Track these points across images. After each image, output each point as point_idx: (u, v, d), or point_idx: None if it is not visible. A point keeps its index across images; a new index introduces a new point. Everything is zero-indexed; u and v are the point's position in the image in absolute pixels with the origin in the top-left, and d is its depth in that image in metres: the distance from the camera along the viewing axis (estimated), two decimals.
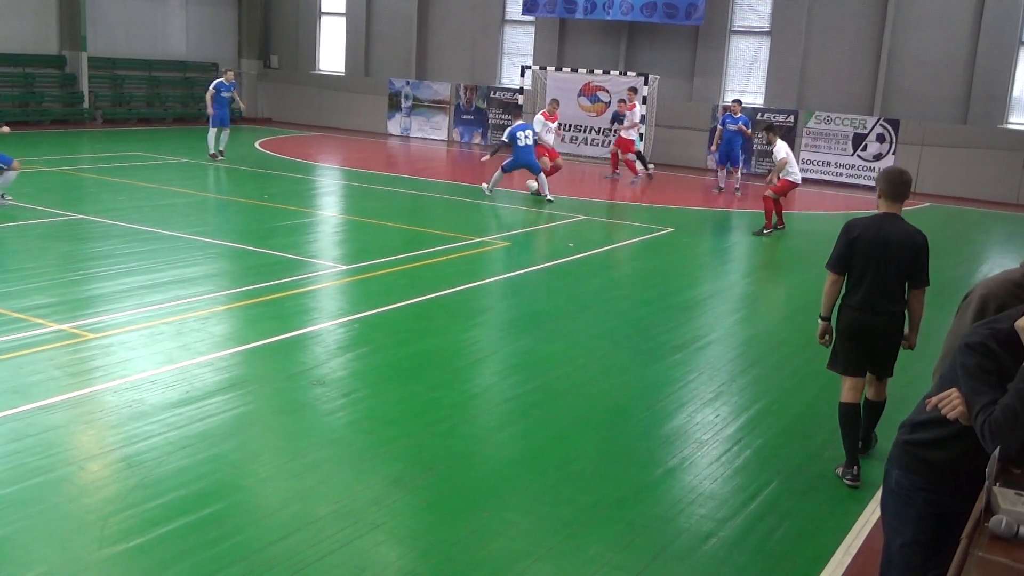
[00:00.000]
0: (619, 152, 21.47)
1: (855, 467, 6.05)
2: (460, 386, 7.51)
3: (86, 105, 26.79)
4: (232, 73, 21.88)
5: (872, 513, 5.58)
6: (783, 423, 7.05)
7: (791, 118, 23.42)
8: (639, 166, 21.64)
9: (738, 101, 20.21)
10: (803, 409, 7.39)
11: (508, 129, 17.79)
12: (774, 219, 15.29)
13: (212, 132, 20.35)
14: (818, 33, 23.59)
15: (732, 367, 8.40)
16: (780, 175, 15.26)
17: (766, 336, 9.55)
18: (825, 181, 22.95)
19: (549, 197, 17.30)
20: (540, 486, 5.72)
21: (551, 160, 18.51)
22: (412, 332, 8.95)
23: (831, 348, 6.28)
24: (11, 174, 13.88)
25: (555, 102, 19.72)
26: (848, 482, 6.01)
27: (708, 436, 6.69)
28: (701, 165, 24.46)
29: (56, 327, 8.17)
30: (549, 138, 18.86)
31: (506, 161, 17.68)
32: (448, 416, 6.77)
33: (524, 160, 17.36)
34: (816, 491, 5.93)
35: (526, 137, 17.35)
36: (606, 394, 7.49)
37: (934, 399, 3.50)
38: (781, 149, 15.18)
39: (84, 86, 26.70)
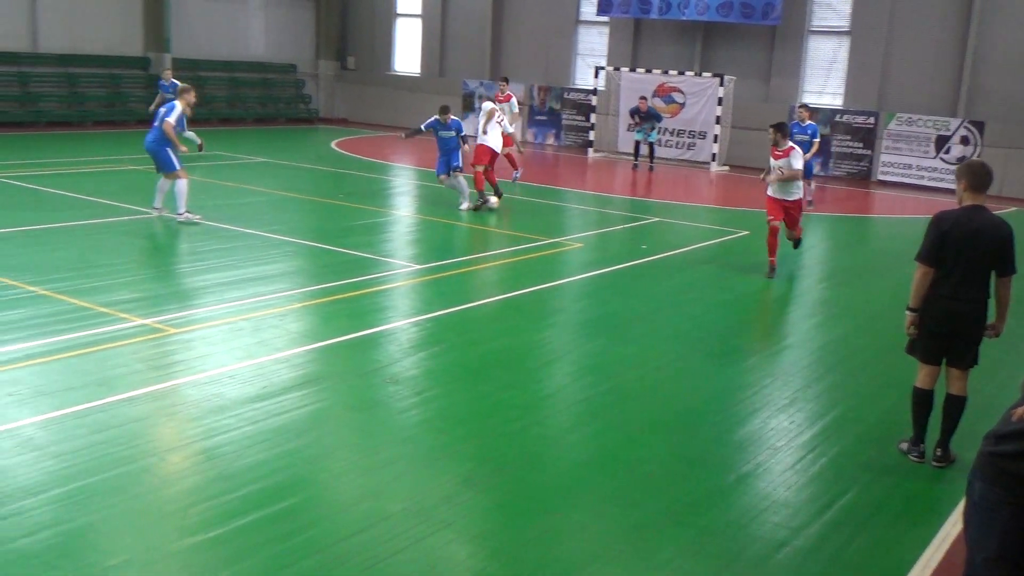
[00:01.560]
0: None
1: (921, 444, 6.29)
2: (532, 387, 7.52)
3: None
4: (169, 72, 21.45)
5: (953, 526, 5.44)
6: (860, 431, 6.91)
7: (871, 120, 22.93)
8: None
9: (805, 106, 17.69)
10: (881, 417, 7.24)
11: (429, 120, 15.65)
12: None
13: None
14: (900, 32, 23.05)
15: (807, 373, 8.26)
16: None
17: (843, 341, 9.38)
18: (906, 184, 22.41)
19: (482, 203, 15.44)
20: (611, 489, 5.70)
21: (505, 147, 16.63)
22: (484, 332, 8.99)
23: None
24: (182, 184, 12.95)
25: (504, 80, 18.98)
26: (913, 458, 6.27)
27: (782, 443, 6.59)
28: None
29: (140, 322, 8.40)
30: (506, 124, 16.49)
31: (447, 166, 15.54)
32: (519, 417, 6.78)
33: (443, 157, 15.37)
34: (894, 502, 5.80)
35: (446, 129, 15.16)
36: (679, 397, 7.43)
37: (1020, 410, 3.40)
38: (797, 158, 12.71)
39: None
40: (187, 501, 5.24)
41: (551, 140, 27.88)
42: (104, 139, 22.75)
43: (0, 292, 9.10)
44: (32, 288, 9.25)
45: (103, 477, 5.43)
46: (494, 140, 15.96)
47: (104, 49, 26.28)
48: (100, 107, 25.98)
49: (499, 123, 16.07)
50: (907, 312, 6.21)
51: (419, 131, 16.06)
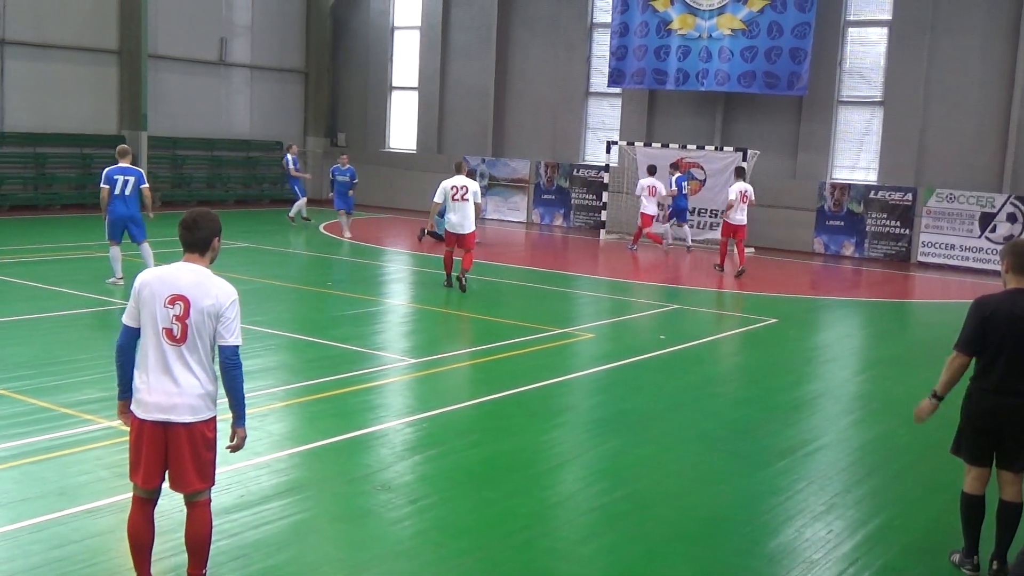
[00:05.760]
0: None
1: (975, 556, 6.18)
2: (539, 493, 7.45)
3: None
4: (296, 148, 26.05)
5: None
6: (906, 541, 6.81)
7: (908, 196, 23.15)
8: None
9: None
10: (929, 525, 7.14)
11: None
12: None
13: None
14: (937, 102, 23.41)
15: (846, 476, 8.18)
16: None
17: (885, 441, 9.31)
18: (949, 266, 22.52)
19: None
20: None
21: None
22: (487, 432, 8.94)
23: (955, 432, 6.30)
24: (147, 249, 14.76)
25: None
26: (967, 571, 6.17)
27: (819, 555, 6.49)
28: (807, 248, 24.26)
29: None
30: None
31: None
32: (526, 527, 6.71)
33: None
34: None
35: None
36: (702, 505, 7.35)
37: None
38: (732, 191, 19.24)
39: (144, 167, 27.80)
40: None
41: (559, 221, 28.14)
42: (73, 224, 23.00)
43: None
44: None
45: None
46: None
47: (76, 127, 26.76)
48: (69, 189, 26.34)
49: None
50: (931, 398, 6.19)
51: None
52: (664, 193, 22.58)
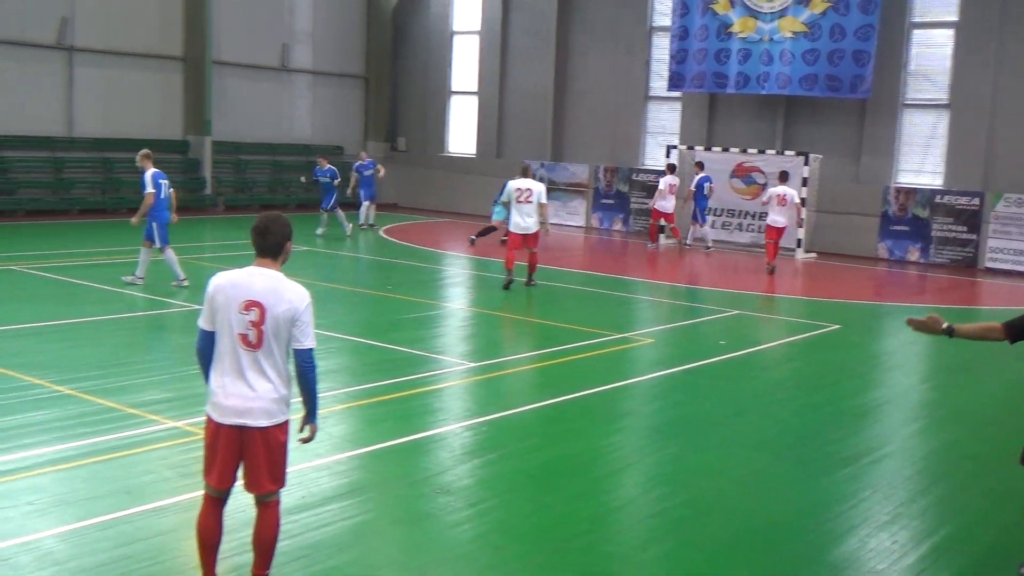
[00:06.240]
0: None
1: None
2: (599, 497, 7.43)
3: (208, 191, 28.30)
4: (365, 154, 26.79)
5: None
6: (974, 552, 6.69)
7: (976, 201, 22.71)
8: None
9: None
10: (998, 536, 7.00)
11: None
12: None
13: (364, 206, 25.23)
14: (1006, 104, 22.94)
15: (912, 485, 8.05)
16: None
17: (951, 449, 9.14)
18: (1017, 272, 22.03)
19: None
20: None
21: None
22: (546, 436, 8.94)
23: None
24: (170, 253, 15.02)
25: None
26: None
27: (884, 565, 6.39)
28: (870, 254, 23.89)
29: (170, 424, 8.51)
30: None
31: None
32: (586, 531, 6.69)
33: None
34: None
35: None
36: (764, 512, 7.27)
37: None
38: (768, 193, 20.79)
39: (207, 172, 28.26)
40: None
41: (618, 225, 28.03)
42: (140, 228, 23.35)
43: (23, 392, 9.31)
44: (57, 387, 9.45)
45: None
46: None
47: (142, 133, 27.23)
48: (135, 193, 26.72)
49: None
50: (944, 325, 6.08)
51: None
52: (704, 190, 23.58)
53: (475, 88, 31.48)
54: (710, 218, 24.35)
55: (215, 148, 28.37)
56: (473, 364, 11.54)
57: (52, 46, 25.22)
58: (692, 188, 23.56)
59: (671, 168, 24.17)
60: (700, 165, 24.12)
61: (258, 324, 5.17)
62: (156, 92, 27.54)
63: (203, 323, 5.36)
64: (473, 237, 22.55)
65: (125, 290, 14.78)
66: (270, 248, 5.33)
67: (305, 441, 5.53)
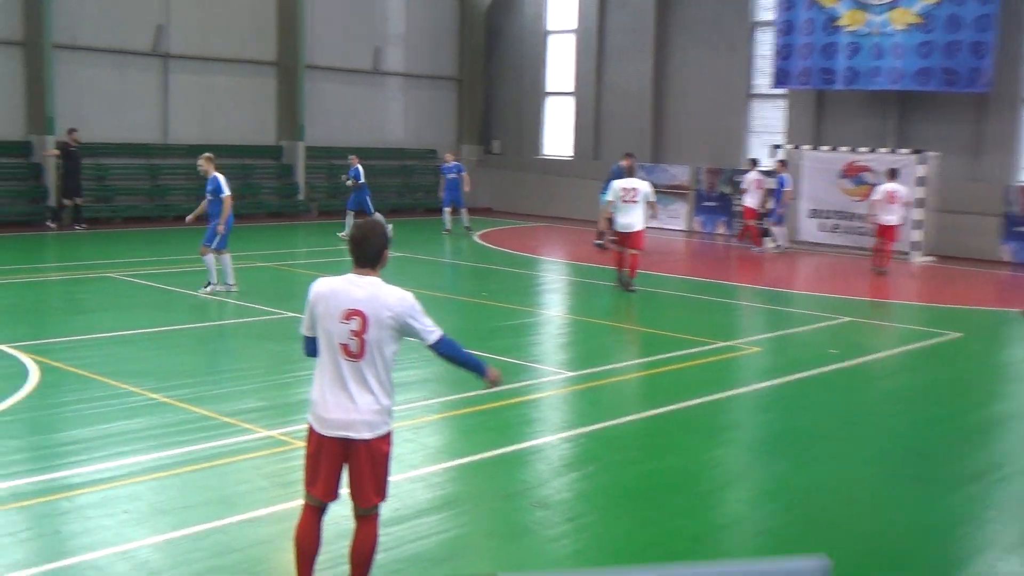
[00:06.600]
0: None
1: None
2: (703, 514, 7.31)
3: (301, 197, 28.79)
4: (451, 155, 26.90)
5: None
6: None
7: None
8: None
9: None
10: None
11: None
12: None
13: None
14: None
15: None
16: None
17: None
18: None
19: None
20: None
21: None
22: (647, 449, 8.84)
23: None
24: (226, 259, 15.36)
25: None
26: None
27: None
28: (992, 257, 23.12)
29: (265, 433, 8.63)
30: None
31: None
32: (689, 550, 6.58)
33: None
34: None
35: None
36: (880, 533, 7.06)
37: None
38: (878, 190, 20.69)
39: (300, 177, 28.75)
40: None
41: (721, 229, 27.65)
42: (236, 234, 23.86)
43: (120, 400, 9.55)
44: (153, 395, 9.67)
45: None
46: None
47: (236, 138, 27.87)
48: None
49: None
50: None
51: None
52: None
53: (571, 88, 31.44)
54: (805, 219, 24.57)
55: (308, 153, 28.86)
56: (571, 373, 11.48)
57: (148, 53, 25.99)
58: (780, 188, 23.55)
59: (782, 164, 24.08)
60: (783, 164, 24.04)
61: (360, 333, 5.19)
62: (249, 98, 28.15)
63: (305, 330, 5.42)
64: (600, 241, 22.40)
65: (217, 297, 15.09)
66: (368, 258, 5.36)
67: (492, 385, 5.78)
